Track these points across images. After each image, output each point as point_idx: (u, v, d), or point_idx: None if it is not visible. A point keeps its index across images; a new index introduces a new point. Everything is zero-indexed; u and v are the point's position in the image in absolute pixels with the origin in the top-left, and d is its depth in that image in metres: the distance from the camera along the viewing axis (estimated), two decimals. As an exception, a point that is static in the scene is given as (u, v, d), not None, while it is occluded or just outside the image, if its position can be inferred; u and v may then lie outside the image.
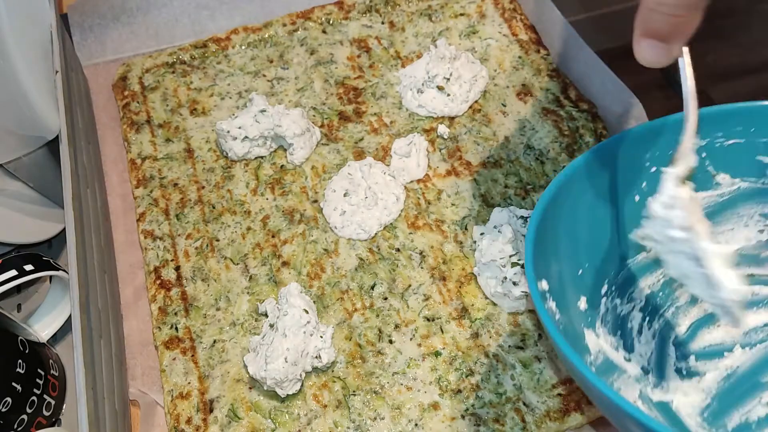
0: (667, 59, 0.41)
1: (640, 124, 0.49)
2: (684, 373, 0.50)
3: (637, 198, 0.49)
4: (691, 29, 0.39)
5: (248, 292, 0.60)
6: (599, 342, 0.47)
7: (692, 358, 0.51)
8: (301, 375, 0.54)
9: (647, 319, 0.51)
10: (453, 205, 0.64)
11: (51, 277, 0.58)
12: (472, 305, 0.58)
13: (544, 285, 0.42)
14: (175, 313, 0.60)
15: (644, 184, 0.49)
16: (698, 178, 0.48)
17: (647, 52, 0.41)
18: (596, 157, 0.48)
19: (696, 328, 0.52)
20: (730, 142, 0.48)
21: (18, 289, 0.63)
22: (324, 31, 0.78)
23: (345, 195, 0.63)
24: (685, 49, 0.41)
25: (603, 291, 0.49)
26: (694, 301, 0.52)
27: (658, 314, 0.51)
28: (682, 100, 0.42)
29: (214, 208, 0.66)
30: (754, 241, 0.51)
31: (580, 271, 0.47)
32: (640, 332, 0.51)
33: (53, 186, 0.64)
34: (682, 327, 0.52)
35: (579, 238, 0.48)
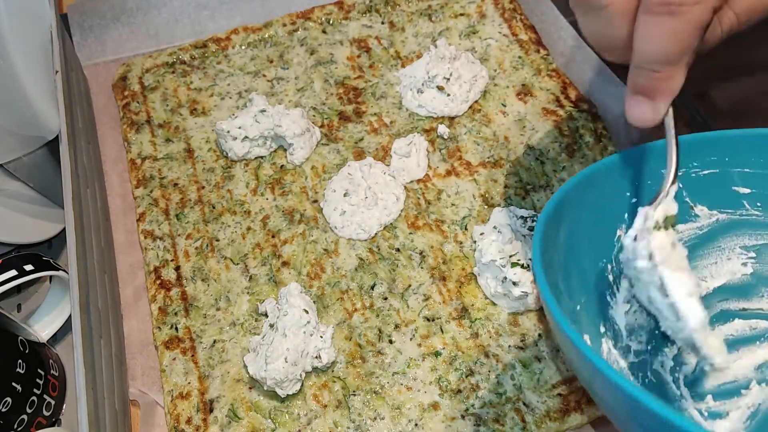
0: (653, 116, 0.42)
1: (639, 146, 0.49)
2: (706, 415, 0.48)
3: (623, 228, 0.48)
4: (675, 86, 0.41)
5: (248, 292, 0.60)
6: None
7: (709, 398, 0.49)
8: (301, 375, 0.54)
9: (651, 354, 0.49)
10: (453, 205, 0.64)
11: (51, 277, 0.58)
12: (472, 305, 0.58)
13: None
14: (175, 313, 0.60)
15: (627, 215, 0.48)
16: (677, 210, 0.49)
17: (635, 109, 0.42)
18: (610, 168, 0.47)
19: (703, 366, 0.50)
20: (706, 172, 0.48)
21: (18, 289, 0.63)
22: (324, 31, 0.78)
23: (345, 195, 0.63)
24: (670, 110, 0.42)
25: (602, 330, 0.47)
26: None
27: (661, 352, 0.50)
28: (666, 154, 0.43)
29: (214, 208, 0.66)
30: (738, 275, 0.51)
31: (578, 307, 0.46)
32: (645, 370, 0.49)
33: (53, 186, 0.64)
34: (689, 365, 0.50)
35: (581, 266, 0.47)
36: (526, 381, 0.54)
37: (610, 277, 0.47)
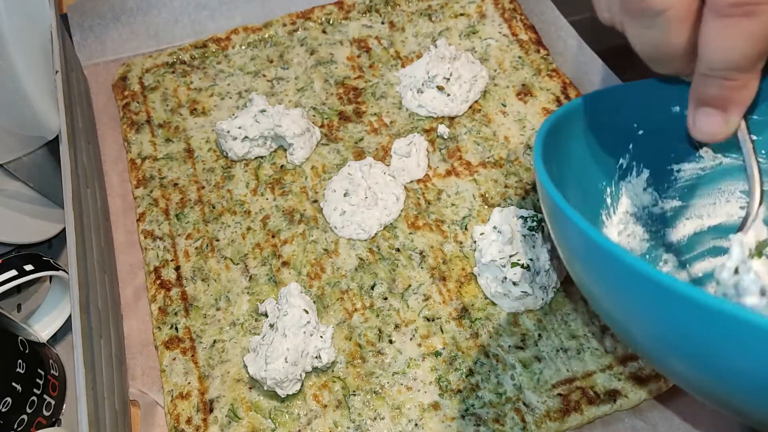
0: (726, 129, 0.39)
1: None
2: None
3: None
4: (750, 95, 0.37)
5: (248, 292, 0.60)
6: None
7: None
8: (301, 375, 0.54)
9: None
10: (453, 205, 0.64)
11: (51, 277, 0.58)
12: (472, 305, 0.58)
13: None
14: (175, 313, 0.60)
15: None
16: (682, 149, 0.48)
17: (703, 123, 0.39)
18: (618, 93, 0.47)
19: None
20: None
21: (18, 289, 0.63)
22: (324, 31, 0.78)
23: (345, 195, 0.63)
24: (743, 122, 0.39)
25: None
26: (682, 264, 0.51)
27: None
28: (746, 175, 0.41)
29: (214, 208, 0.66)
30: (735, 217, 0.51)
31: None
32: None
33: (53, 186, 0.64)
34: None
35: (579, 182, 0.46)
36: (526, 381, 0.54)
37: (608, 200, 0.47)
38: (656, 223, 0.51)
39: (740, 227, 0.41)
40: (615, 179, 0.49)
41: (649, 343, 0.35)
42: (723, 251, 0.51)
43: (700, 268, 0.50)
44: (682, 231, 0.51)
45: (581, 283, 0.39)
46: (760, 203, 0.41)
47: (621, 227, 0.48)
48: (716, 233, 0.51)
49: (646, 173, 0.49)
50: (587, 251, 0.35)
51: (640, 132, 0.48)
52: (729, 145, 0.48)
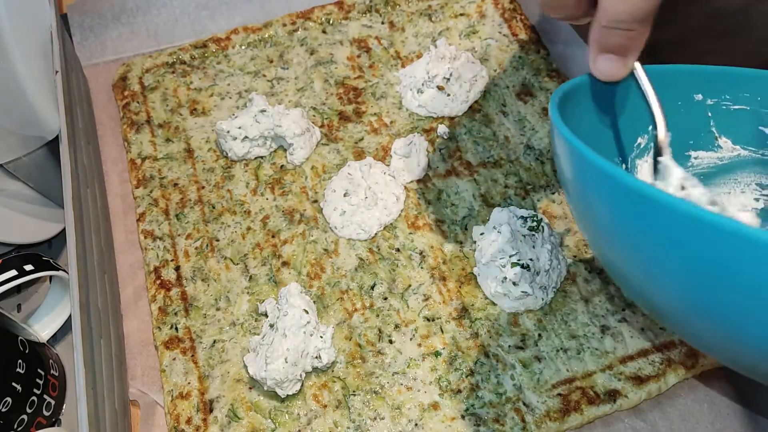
0: (625, 72, 0.44)
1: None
2: None
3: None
4: (644, 42, 0.42)
5: (248, 292, 0.60)
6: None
7: None
8: (301, 375, 0.54)
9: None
10: (453, 205, 0.64)
11: (51, 277, 0.58)
12: (472, 305, 0.58)
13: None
14: (175, 313, 0.60)
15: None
16: (702, 138, 0.49)
17: (605, 66, 0.43)
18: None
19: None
20: (736, 107, 0.48)
21: (18, 289, 0.63)
22: (324, 31, 0.78)
23: (345, 195, 0.63)
24: (637, 63, 0.43)
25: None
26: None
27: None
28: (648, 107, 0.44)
29: (214, 208, 0.66)
30: (749, 208, 0.51)
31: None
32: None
33: (53, 186, 0.64)
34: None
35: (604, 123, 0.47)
36: (526, 381, 0.54)
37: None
38: None
39: (656, 153, 0.43)
40: (632, 157, 0.49)
41: (677, 286, 0.34)
42: None
43: None
44: None
45: (604, 232, 0.39)
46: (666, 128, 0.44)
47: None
48: None
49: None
50: (619, 196, 0.34)
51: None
52: (747, 137, 0.49)
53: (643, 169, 0.49)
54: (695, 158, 0.50)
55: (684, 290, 0.34)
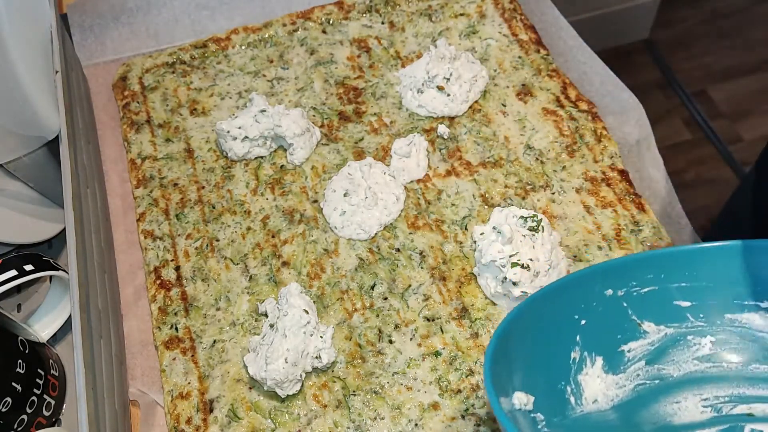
0: None
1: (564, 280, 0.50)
2: None
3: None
4: None
5: (248, 292, 0.60)
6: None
7: None
8: (301, 375, 0.54)
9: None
10: (453, 205, 0.64)
11: (51, 277, 0.58)
12: (472, 305, 0.58)
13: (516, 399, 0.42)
14: (175, 313, 0.60)
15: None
16: (627, 329, 0.49)
17: None
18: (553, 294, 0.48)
19: None
20: (646, 289, 0.49)
21: (18, 289, 0.63)
22: (324, 31, 0.78)
23: (345, 195, 0.63)
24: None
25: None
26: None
27: None
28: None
29: (214, 208, 0.66)
30: (695, 369, 0.50)
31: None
32: None
33: (53, 186, 0.64)
34: None
35: (539, 385, 0.47)
36: (526, 381, 0.54)
37: (572, 399, 0.47)
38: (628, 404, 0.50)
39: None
40: (572, 375, 0.48)
41: None
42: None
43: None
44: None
45: None
46: None
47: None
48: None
49: (599, 361, 0.49)
50: None
51: (583, 322, 0.48)
52: (666, 314, 0.49)
53: (586, 384, 0.49)
54: (629, 351, 0.50)
55: None
